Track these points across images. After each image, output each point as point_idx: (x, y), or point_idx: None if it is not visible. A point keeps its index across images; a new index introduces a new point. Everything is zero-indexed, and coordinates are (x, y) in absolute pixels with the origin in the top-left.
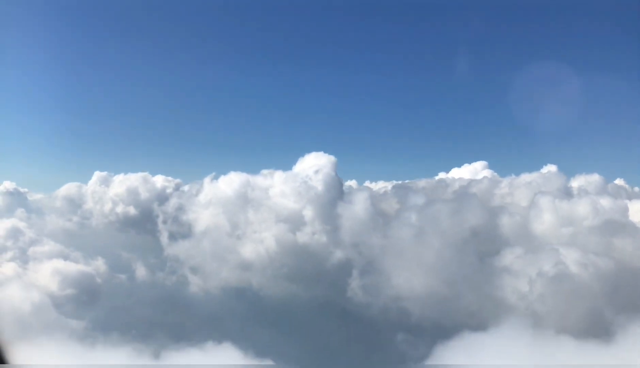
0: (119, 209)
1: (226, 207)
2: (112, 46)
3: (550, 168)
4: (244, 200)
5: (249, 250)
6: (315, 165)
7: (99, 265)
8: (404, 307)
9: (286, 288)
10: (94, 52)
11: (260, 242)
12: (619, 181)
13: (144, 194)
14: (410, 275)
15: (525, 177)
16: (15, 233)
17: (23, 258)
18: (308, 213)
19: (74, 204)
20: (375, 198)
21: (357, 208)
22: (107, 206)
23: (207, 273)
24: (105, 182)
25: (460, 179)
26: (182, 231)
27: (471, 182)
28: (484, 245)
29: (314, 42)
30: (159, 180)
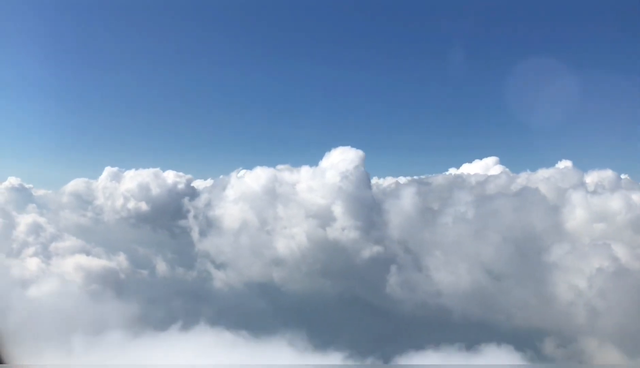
0: (131, 205)
1: (254, 202)
2: (121, 40)
3: (566, 164)
4: (272, 195)
5: (279, 246)
6: (343, 160)
7: (121, 260)
8: (444, 304)
9: (319, 283)
10: (102, 47)
11: (291, 238)
12: (624, 177)
13: (155, 190)
14: (452, 271)
15: (543, 172)
16: (36, 229)
17: (45, 254)
18: (337, 208)
19: (82, 200)
20: (399, 193)
21: (387, 202)
22: (119, 202)
23: (234, 268)
24: (116, 178)
25: (476, 174)
26: (210, 227)
27: (489, 178)
28: (530, 241)
29: (318, 40)
30: (170, 176)
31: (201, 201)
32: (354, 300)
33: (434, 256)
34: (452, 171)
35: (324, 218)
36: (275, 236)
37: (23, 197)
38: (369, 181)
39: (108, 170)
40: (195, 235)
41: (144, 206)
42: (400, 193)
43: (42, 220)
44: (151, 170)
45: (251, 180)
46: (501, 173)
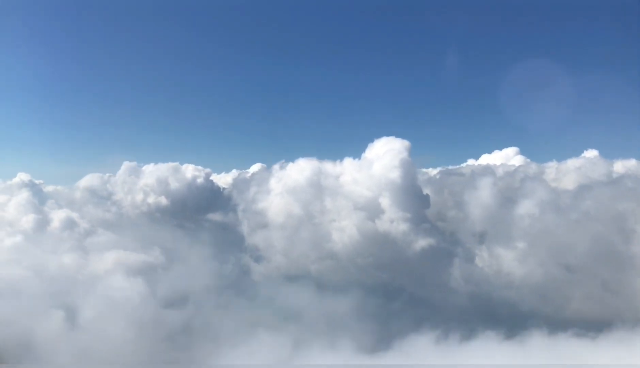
0: (151, 199)
1: (299, 195)
2: (139, 33)
3: (592, 153)
4: (317, 188)
5: (328, 239)
6: (389, 150)
7: (156, 254)
8: (499, 296)
9: (374, 277)
10: (117, 41)
11: (341, 231)
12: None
13: (174, 184)
14: (506, 263)
15: (573, 162)
16: (70, 224)
17: (82, 249)
18: (385, 200)
19: (97, 195)
20: (442, 184)
21: (434, 193)
22: (139, 197)
23: (278, 261)
24: (135, 172)
25: (503, 165)
26: (248, 220)
27: (518, 168)
28: (608, 234)
29: (325, 38)
30: (189, 169)
31: (234, 194)
32: (411, 293)
33: (488, 247)
34: (471, 161)
35: (372, 210)
36: (323, 230)
37: (37, 193)
38: (416, 172)
39: (126, 165)
40: (230, 228)
41: (164, 201)
42: (443, 183)
43: (75, 216)
44: (170, 164)
45: (295, 172)
46: (525, 163)
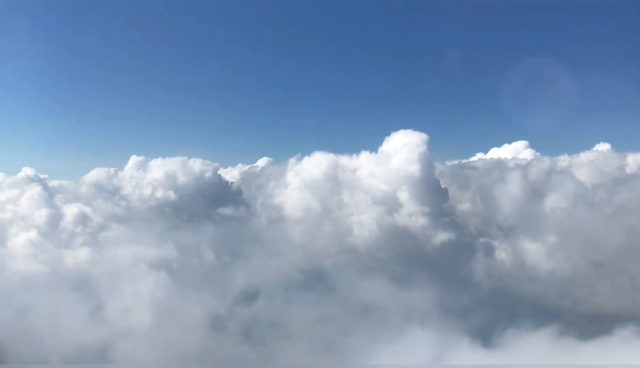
0: (159, 194)
1: (316, 189)
2: (145, 25)
3: (604, 146)
4: (334, 182)
5: (347, 233)
6: (405, 143)
7: (170, 249)
8: (519, 289)
9: (397, 271)
10: (122, 34)
11: (360, 225)
12: None
13: (182, 179)
14: (527, 256)
15: (586, 155)
16: (82, 219)
17: (96, 243)
18: (403, 194)
19: (102, 189)
20: (457, 178)
21: (451, 187)
22: (147, 191)
23: (293, 256)
24: (142, 167)
25: (514, 158)
26: (262, 214)
27: (531, 161)
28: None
29: (334, 32)
30: (197, 164)
31: (243, 188)
32: (435, 287)
33: (510, 241)
34: (480, 155)
35: (390, 204)
36: (342, 224)
37: (44, 188)
38: (433, 165)
39: (134, 159)
40: (241, 222)
41: (172, 195)
42: (457, 177)
43: (87, 210)
44: (178, 158)
45: (312, 166)
46: (535, 156)
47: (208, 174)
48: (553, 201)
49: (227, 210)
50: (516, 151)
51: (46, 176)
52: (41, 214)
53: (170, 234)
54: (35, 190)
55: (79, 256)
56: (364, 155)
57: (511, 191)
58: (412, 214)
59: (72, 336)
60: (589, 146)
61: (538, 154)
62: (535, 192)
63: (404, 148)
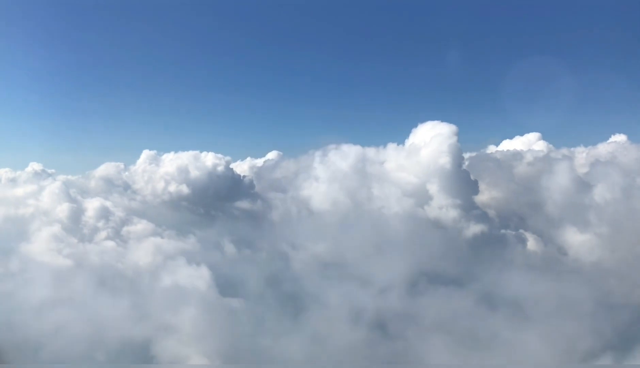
0: (172, 188)
1: (344, 182)
2: (155, 18)
3: (620, 137)
4: (362, 174)
5: (379, 226)
6: (435, 135)
7: (192, 242)
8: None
9: (430, 266)
10: (131, 27)
11: (392, 218)
12: None
13: (194, 173)
14: (563, 248)
15: (604, 147)
16: (104, 213)
17: (120, 238)
18: (433, 186)
19: (112, 184)
20: (483, 170)
21: (489, 178)
22: (160, 185)
23: (318, 250)
24: (154, 161)
25: (531, 150)
26: (285, 208)
27: (549, 153)
28: None
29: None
30: (209, 158)
31: (257, 181)
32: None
33: (544, 232)
34: (492, 148)
35: (420, 197)
36: (372, 217)
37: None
38: (463, 157)
39: (146, 153)
40: (260, 216)
41: (185, 189)
42: (480, 168)
43: (109, 204)
44: (190, 153)
45: (338, 158)
46: (547, 148)
47: (220, 168)
48: (598, 192)
49: (243, 204)
50: (528, 143)
51: (53, 171)
52: (62, 209)
53: (189, 228)
54: (56, 185)
55: (103, 250)
56: (391, 147)
57: (553, 182)
58: (443, 206)
59: (114, 331)
60: (602, 137)
61: (551, 146)
62: (577, 183)
63: (433, 139)
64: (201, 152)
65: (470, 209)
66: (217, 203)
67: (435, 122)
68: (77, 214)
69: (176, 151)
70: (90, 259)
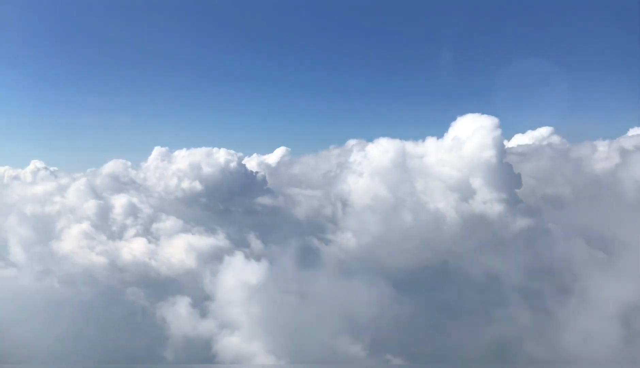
0: (185, 185)
1: (384, 176)
2: (166, 12)
3: (637, 131)
4: (403, 169)
5: (426, 222)
6: (478, 128)
7: (221, 238)
8: None
9: (484, 262)
10: (140, 20)
11: (437, 213)
12: None
13: (207, 169)
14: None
15: (626, 140)
16: (132, 210)
17: (152, 235)
18: (476, 180)
19: (119, 181)
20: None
21: (534, 171)
22: (173, 182)
23: (374, 246)
24: (166, 157)
25: (550, 145)
26: (329, 203)
27: (572, 147)
28: None
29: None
30: (222, 154)
31: (273, 177)
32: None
33: (591, 227)
34: (505, 143)
35: (463, 191)
36: (417, 212)
37: (54, 180)
38: (505, 150)
39: (158, 150)
40: (283, 212)
41: (198, 186)
42: (526, 162)
43: (135, 200)
44: (203, 149)
45: (377, 152)
46: (561, 142)
47: (233, 164)
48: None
49: (264, 200)
50: (541, 137)
51: (55, 168)
52: (89, 206)
53: (212, 224)
54: (81, 181)
55: (134, 247)
56: (430, 141)
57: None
58: (487, 201)
59: (178, 330)
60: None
61: (565, 140)
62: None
63: (476, 133)
64: (212, 148)
65: (515, 204)
66: (234, 199)
67: (476, 114)
68: (104, 211)
69: (188, 148)
70: (124, 257)
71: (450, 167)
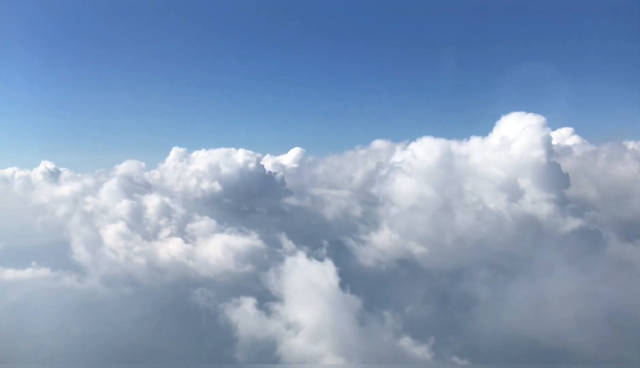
0: (204, 185)
1: (429, 176)
2: (189, 13)
3: None
4: (448, 169)
5: (475, 223)
6: (526, 127)
7: (254, 238)
8: None
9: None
10: (159, 24)
11: (489, 214)
12: None
13: (225, 170)
14: None
15: None
16: (165, 211)
17: (188, 235)
18: (524, 180)
19: (133, 182)
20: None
21: (581, 170)
22: (192, 183)
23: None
24: (184, 158)
25: (576, 145)
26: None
27: (598, 149)
28: None
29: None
30: (240, 154)
31: (290, 178)
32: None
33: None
34: None
35: (511, 191)
36: (466, 213)
37: (65, 181)
38: (553, 150)
39: (176, 150)
40: (309, 212)
41: (217, 186)
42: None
43: (167, 201)
44: (222, 150)
45: (422, 152)
46: (582, 142)
47: (252, 165)
48: None
49: (290, 200)
50: (561, 138)
51: (65, 169)
52: (122, 206)
53: (240, 224)
54: (113, 181)
55: (171, 247)
56: (475, 140)
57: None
58: (535, 201)
59: (246, 331)
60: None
61: (586, 141)
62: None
63: (523, 132)
64: (231, 149)
65: (565, 204)
66: (257, 199)
67: (521, 113)
68: (138, 212)
69: (207, 148)
70: (162, 257)
71: (496, 167)
